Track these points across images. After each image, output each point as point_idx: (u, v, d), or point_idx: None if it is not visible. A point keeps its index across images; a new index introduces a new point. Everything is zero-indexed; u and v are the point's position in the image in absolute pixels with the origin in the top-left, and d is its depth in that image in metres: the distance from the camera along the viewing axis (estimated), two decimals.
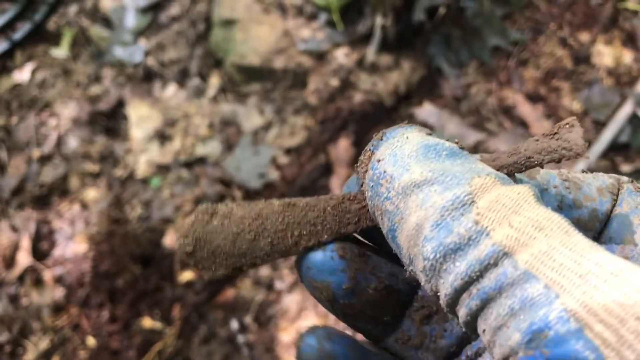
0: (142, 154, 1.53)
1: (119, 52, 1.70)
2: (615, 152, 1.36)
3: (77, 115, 1.62)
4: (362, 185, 0.32)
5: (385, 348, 0.37)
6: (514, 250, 0.23)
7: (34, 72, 1.72)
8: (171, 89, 1.64)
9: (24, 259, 1.44)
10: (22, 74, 1.72)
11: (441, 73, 1.51)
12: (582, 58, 1.51)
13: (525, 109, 1.43)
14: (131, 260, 1.41)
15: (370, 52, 1.50)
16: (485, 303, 0.23)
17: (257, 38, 1.56)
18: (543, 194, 0.33)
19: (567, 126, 0.31)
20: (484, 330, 0.24)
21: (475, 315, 0.24)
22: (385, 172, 0.29)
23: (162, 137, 1.55)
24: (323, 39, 1.53)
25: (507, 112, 1.45)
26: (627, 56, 1.49)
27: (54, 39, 1.76)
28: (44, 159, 1.58)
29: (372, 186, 0.30)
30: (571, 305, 0.21)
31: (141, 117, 1.59)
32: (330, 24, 1.55)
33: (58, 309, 1.39)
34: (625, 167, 1.33)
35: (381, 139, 0.31)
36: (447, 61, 1.50)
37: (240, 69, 1.55)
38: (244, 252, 0.34)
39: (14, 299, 1.40)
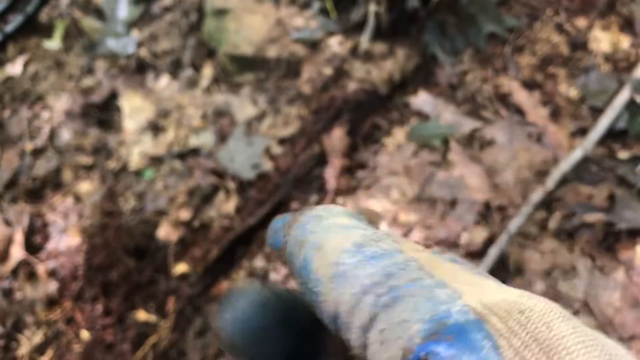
0: (135, 146, 1.52)
1: (112, 44, 1.69)
2: (613, 139, 1.34)
3: (70, 108, 1.61)
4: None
5: None
6: (428, 266, 0.25)
7: (26, 64, 1.70)
8: (164, 80, 1.62)
9: (17, 252, 1.43)
10: (14, 67, 1.70)
11: (436, 61, 1.50)
12: (579, 44, 1.49)
13: (522, 96, 1.41)
14: (125, 253, 1.40)
15: (364, 40, 1.48)
16: (394, 301, 0.24)
17: (249, 27, 1.54)
18: None
19: None
20: (381, 330, 0.24)
21: (375, 315, 0.25)
22: (317, 218, 0.31)
23: (155, 128, 1.54)
24: (316, 27, 1.52)
25: (503, 99, 1.43)
26: (625, 42, 1.47)
27: (46, 31, 1.75)
28: (37, 152, 1.57)
29: (301, 226, 0.31)
30: (471, 303, 0.23)
31: (134, 109, 1.58)
32: (324, 12, 1.53)
33: (52, 302, 1.38)
34: (623, 154, 1.32)
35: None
36: (442, 49, 1.49)
37: (233, 58, 1.54)
38: None
39: (7, 293, 1.40)
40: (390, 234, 0.28)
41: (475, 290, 0.24)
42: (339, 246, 0.28)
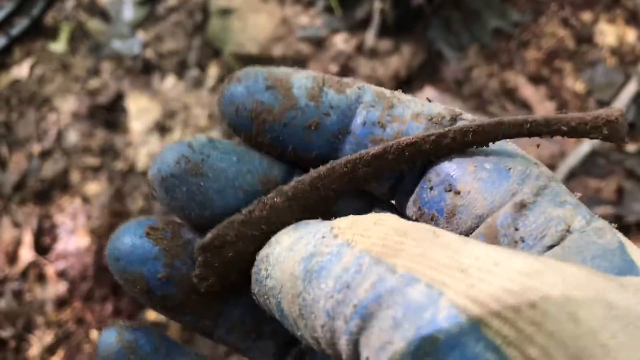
0: (143, 147, 1.53)
1: (117, 45, 1.69)
2: None
3: (77, 110, 1.61)
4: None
5: (219, 341, 0.34)
6: (384, 256, 0.21)
7: (32, 67, 1.71)
8: (170, 81, 1.63)
9: (26, 254, 1.44)
10: (21, 70, 1.71)
11: (442, 57, 1.49)
12: (585, 38, 1.49)
13: (528, 91, 1.41)
14: None
15: (370, 38, 1.48)
16: (366, 321, 0.20)
17: (255, 26, 1.55)
18: (350, 110, 0.31)
19: (614, 122, 0.29)
20: (367, 359, 0.20)
21: (356, 342, 0.21)
22: (261, 258, 0.28)
23: (162, 129, 1.55)
24: (321, 25, 1.52)
25: (509, 94, 1.43)
26: (631, 35, 1.47)
27: (52, 33, 1.75)
28: (45, 154, 1.57)
29: (255, 278, 0.28)
30: (459, 301, 0.18)
31: (140, 110, 1.58)
32: (328, 10, 1.54)
33: (61, 303, 1.38)
34: (631, 147, 1.31)
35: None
36: (447, 45, 1.49)
37: (238, 58, 1.54)
38: None
39: (17, 295, 1.40)
40: (335, 225, 0.24)
41: (460, 275, 0.19)
42: (292, 274, 0.24)
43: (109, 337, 0.30)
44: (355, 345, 0.21)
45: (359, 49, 1.49)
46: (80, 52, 1.71)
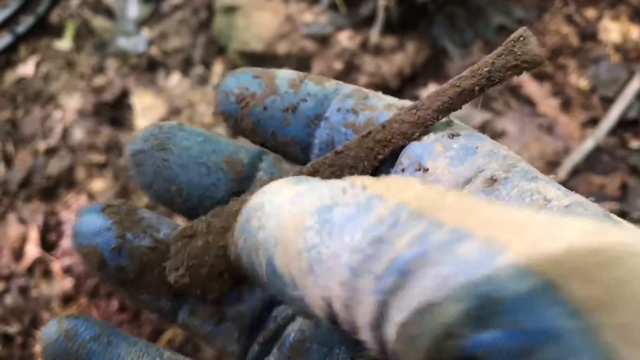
0: None
1: (122, 43, 1.70)
2: (624, 129, 1.34)
3: (82, 107, 1.62)
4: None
5: (183, 326, 0.34)
6: (425, 210, 0.17)
7: (38, 65, 1.72)
8: (175, 78, 1.63)
9: (32, 250, 1.45)
10: (27, 68, 1.72)
11: (446, 53, 1.50)
12: (589, 35, 1.49)
13: (532, 88, 1.41)
14: None
15: (374, 34, 1.49)
16: (403, 279, 0.17)
17: (259, 24, 1.55)
18: (327, 99, 0.33)
19: (521, 39, 0.30)
20: (401, 324, 0.17)
21: (385, 303, 0.17)
22: (253, 207, 0.25)
23: None
24: (326, 22, 1.52)
25: (513, 91, 1.43)
26: (635, 32, 1.47)
27: (57, 31, 1.76)
28: (50, 151, 1.58)
29: (243, 228, 0.25)
30: (523, 259, 0.14)
31: (146, 107, 1.59)
32: (333, 7, 1.54)
33: (67, 299, 1.39)
34: (635, 143, 1.31)
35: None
36: (451, 41, 1.49)
37: (243, 55, 1.55)
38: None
39: (23, 291, 1.41)
40: (357, 181, 0.21)
41: (519, 231, 0.15)
42: (299, 226, 0.21)
43: (50, 328, 0.31)
44: (383, 307, 0.17)
45: (364, 46, 1.50)
46: (85, 49, 1.72)
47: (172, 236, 0.33)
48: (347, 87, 0.35)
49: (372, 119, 0.33)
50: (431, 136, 0.32)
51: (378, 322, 0.18)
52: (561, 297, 0.13)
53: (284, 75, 0.35)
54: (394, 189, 0.19)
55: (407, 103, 0.34)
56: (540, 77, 1.45)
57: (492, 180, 0.28)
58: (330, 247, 0.19)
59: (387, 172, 0.33)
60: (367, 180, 0.21)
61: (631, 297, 0.13)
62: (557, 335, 0.13)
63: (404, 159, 0.32)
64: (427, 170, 0.30)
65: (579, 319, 0.13)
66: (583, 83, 1.42)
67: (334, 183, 0.22)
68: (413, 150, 0.32)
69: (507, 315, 0.14)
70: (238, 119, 0.34)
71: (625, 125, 1.34)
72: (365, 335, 0.19)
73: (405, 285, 0.16)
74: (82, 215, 0.33)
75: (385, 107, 0.34)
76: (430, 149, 0.31)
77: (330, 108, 0.35)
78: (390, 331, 0.17)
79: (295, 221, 0.21)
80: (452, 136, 0.31)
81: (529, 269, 0.14)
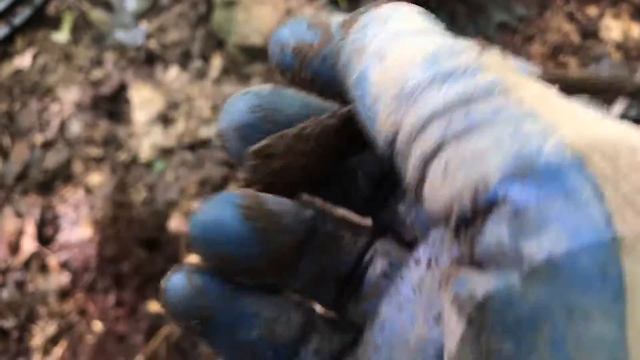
0: (146, 137, 1.53)
1: (120, 36, 1.69)
2: None
3: (80, 100, 1.61)
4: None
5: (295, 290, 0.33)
6: (514, 88, 0.20)
7: (35, 57, 1.70)
8: (173, 72, 1.62)
9: (28, 244, 1.44)
10: (23, 60, 1.70)
11: None
12: (590, 33, 1.49)
13: None
14: (137, 245, 1.41)
15: None
16: (468, 129, 0.19)
17: (259, 18, 1.54)
18: None
19: None
20: (446, 161, 0.20)
21: (442, 145, 0.20)
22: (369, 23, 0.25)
23: (165, 120, 1.54)
24: (326, 17, 1.52)
25: None
26: (636, 30, 1.47)
27: (55, 23, 1.75)
28: (47, 145, 1.57)
29: (359, 30, 0.26)
30: (568, 137, 0.18)
31: (144, 101, 1.58)
32: (333, 1, 1.53)
33: (64, 294, 1.39)
34: None
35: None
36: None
37: (242, 49, 1.54)
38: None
39: (20, 285, 1.40)
40: (472, 45, 0.22)
41: (576, 122, 0.19)
42: (408, 59, 0.22)
43: (177, 283, 0.29)
44: (438, 147, 0.20)
45: None
46: (83, 42, 1.71)
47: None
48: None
49: None
50: None
51: (429, 156, 0.20)
52: (586, 169, 0.17)
53: (339, 20, 0.33)
54: (498, 65, 0.21)
55: None
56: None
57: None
58: (426, 89, 0.21)
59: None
60: (486, 57, 0.22)
61: (634, 175, 0.17)
62: (572, 194, 0.17)
63: None
64: None
65: (592, 184, 0.17)
66: None
67: (456, 38, 0.23)
68: None
69: (540, 176, 0.17)
70: (295, 71, 0.33)
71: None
72: (412, 165, 0.21)
73: (468, 135, 0.19)
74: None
75: None
76: None
77: None
78: (434, 167, 0.20)
79: (407, 54, 0.23)
80: None
81: (568, 146, 0.17)
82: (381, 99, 0.23)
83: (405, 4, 0.26)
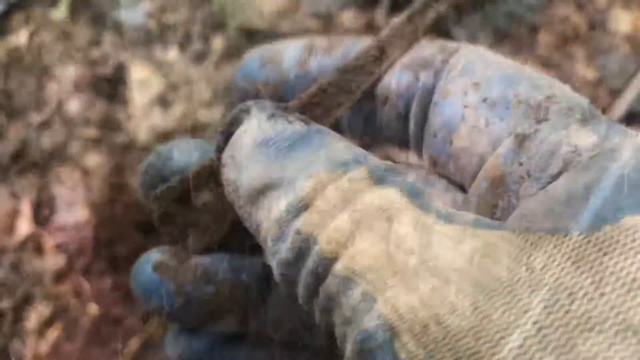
0: (144, 120, 1.51)
1: (120, 15, 1.67)
2: (631, 121, 1.33)
3: (77, 80, 1.59)
4: None
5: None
6: (337, 255, 0.20)
7: (32, 35, 1.68)
8: (173, 53, 1.61)
9: (24, 225, 1.43)
10: (20, 37, 1.68)
11: (453, 39, 1.48)
12: (598, 23, 1.47)
13: None
14: (133, 228, 1.40)
15: (380, 15, 1.46)
16: (331, 305, 0.21)
17: (262, 1, 1.53)
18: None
19: None
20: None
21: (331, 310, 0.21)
22: (228, 179, 0.26)
23: (164, 102, 1.53)
24: (330, 1, 1.50)
25: None
26: None
27: (52, 0, 1.72)
28: (44, 125, 1.55)
29: (229, 193, 0.27)
30: (384, 310, 0.18)
31: (143, 82, 1.56)
32: None
33: (59, 276, 1.38)
34: None
35: (224, 136, 0.28)
36: (458, 26, 1.47)
37: (244, 32, 1.52)
38: None
39: (15, 266, 1.40)
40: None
41: (395, 281, 0.18)
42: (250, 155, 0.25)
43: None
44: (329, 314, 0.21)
45: (369, 26, 1.48)
46: (81, 20, 1.68)
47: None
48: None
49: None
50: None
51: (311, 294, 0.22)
52: (395, 350, 0.17)
53: (292, 54, 0.34)
54: (332, 218, 0.21)
55: None
56: (548, 65, 1.44)
57: (523, 137, 0.25)
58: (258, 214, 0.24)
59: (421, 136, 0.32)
60: (317, 204, 0.22)
61: (441, 354, 0.17)
62: None
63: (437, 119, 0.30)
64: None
65: None
66: (591, 73, 1.41)
67: (297, 188, 0.23)
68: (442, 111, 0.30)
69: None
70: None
71: (632, 117, 1.33)
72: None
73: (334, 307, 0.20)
74: (137, 272, 0.33)
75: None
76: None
77: None
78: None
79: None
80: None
81: (383, 323, 0.17)
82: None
83: (251, 117, 0.26)
